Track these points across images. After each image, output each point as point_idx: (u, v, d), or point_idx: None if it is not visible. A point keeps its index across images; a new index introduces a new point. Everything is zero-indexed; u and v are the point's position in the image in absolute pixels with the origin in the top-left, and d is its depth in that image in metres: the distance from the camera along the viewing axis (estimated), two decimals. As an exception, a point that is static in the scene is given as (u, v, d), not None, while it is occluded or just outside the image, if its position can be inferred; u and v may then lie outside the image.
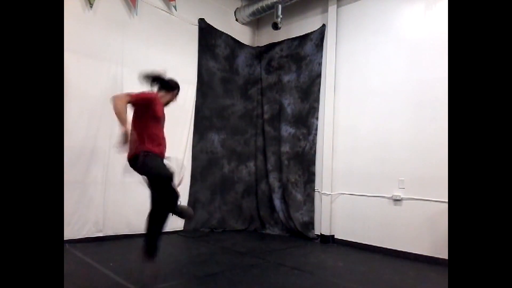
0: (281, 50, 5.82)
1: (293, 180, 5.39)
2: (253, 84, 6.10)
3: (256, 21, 6.33)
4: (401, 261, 4.02)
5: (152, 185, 2.77)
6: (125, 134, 2.49)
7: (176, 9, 5.15)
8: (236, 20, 6.11)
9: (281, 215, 5.48)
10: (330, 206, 4.99)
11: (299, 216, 5.23)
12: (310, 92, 5.37)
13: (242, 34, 6.17)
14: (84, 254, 3.59)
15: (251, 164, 5.98)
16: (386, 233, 4.38)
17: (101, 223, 4.24)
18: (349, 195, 4.84)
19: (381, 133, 4.56)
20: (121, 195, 4.41)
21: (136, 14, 4.72)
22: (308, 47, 5.46)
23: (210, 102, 5.57)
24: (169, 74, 5.07)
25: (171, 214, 2.81)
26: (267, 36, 6.12)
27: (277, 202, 5.54)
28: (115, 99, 2.60)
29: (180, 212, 2.89)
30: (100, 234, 4.22)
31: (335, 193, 4.99)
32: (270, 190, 5.66)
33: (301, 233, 5.15)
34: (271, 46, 5.97)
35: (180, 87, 3.14)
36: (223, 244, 4.53)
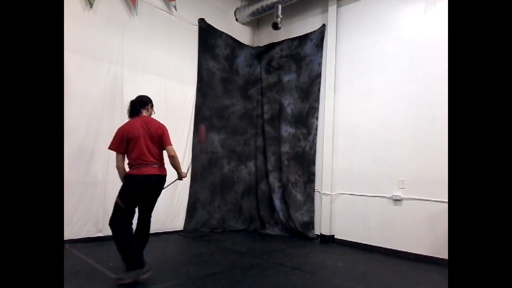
0: (281, 50, 5.82)
1: (293, 180, 5.39)
2: (253, 84, 6.10)
3: (256, 21, 6.33)
4: (401, 261, 4.02)
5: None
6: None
7: (176, 9, 5.15)
8: (236, 20, 6.11)
9: (281, 215, 5.48)
10: (330, 206, 4.99)
11: (299, 216, 5.23)
12: (310, 92, 5.37)
13: (242, 34, 6.17)
14: (84, 254, 3.59)
15: (251, 164, 5.98)
16: (386, 233, 4.38)
17: (101, 223, 4.24)
18: (349, 195, 4.84)
19: (381, 133, 4.56)
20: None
21: (136, 14, 4.72)
22: (308, 47, 5.46)
23: (210, 102, 5.57)
24: (169, 74, 5.10)
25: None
26: (267, 36, 6.12)
27: (277, 202, 5.54)
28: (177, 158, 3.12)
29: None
30: (100, 234, 4.22)
31: (335, 193, 4.99)
32: (270, 190, 5.66)
33: (301, 233, 5.15)
34: (271, 46, 5.97)
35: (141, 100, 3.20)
36: (223, 244, 4.53)
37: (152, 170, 2.93)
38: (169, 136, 3.09)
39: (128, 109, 3.14)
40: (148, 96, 3.21)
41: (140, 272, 2.68)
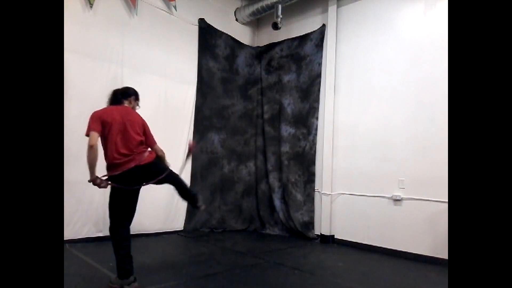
0: (281, 50, 5.82)
1: (293, 180, 5.39)
2: (253, 84, 6.10)
3: (256, 21, 6.33)
4: (401, 261, 4.02)
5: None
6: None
7: (176, 9, 5.15)
8: (236, 20, 6.11)
9: (281, 215, 5.48)
10: (330, 206, 4.99)
11: (299, 216, 5.23)
12: (310, 92, 5.37)
13: (242, 34, 6.17)
14: (84, 254, 3.60)
15: (251, 164, 5.98)
16: (386, 233, 4.38)
17: (101, 223, 4.23)
18: (349, 195, 4.84)
19: (381, 133, 4.56)
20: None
21: (136, 14, 4.72)
22: (308, 47, 5.46)
23: (210, 102, 5.57)
24: (169, 74, 5.10)
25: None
26: (267, 36, 6.12)
27: (277, 202, 5.54)
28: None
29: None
30: (100, 234, 4.22)
31: (335, 193, 4.99)
32: (270, 190, 5.66)
33: (301, 233, 5.15)
34: (271, 46, 5.97)
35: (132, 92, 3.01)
36: (223, 244, 4.53)
37: (132, 163, 2.65)
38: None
39: (109, 98, 2.89)
40: (136, 90, 3.01)
41: (125, 282, 2.62)
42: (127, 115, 2.75)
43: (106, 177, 2.64)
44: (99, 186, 2.60)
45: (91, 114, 2.67)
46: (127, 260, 2.66)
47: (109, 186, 2.67)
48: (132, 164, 2.65)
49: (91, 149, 2.52)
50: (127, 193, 2.70)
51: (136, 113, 2.90)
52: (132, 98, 2.95)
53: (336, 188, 4.99)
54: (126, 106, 2.86)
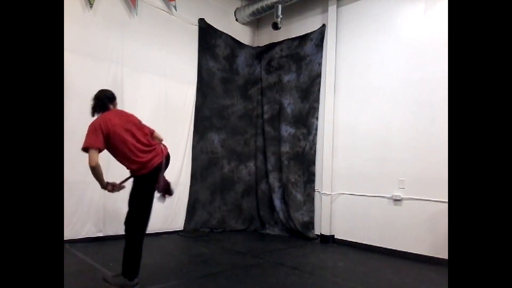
0: (281, 50, 5.82)
1: (293, 180, 5.39)
2: (253, 84, 6.10)
3: (256, 21, 6.33)
4: (401, 261, 4.02)
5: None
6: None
7: (176, 9, 5.15)
8: (236, 20, 6.11)
9: (281, 215, 5.48)
10: (330, 206, 4.99)
11: (299, 216, 5.23)
12: (310, 92, 5.37)
13: (242, 34, 6.17)
14: (84, 254, 3.59)
15: (251, 164, 5.98)
16: (386, 233, 4.38)
17: (101, 223, 4.24)
18: (349, 195, 4.84)
19: (381, 133, 4.56)
20: (121, 195, 4.40)
21: (136, 14, 4.73)
22: (308, 47, 5.46)
23: (210, 102, 5.57)
24: (169, 74, 5.10)
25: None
26: (267, 36, 6.12)
27: (277, 202, 5.54)
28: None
29: None
30: (100, 234, 4.22)
31: (335, 193, 4.99)
32: (270, 190, 5.66)
33: (301, 233, 5.15)
34: (271, 46, 5.97)
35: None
36: (223, 244, 4.53)
37: (158, 158, 2.65)
38: None
39: (92, 106, 2.82)
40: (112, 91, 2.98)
41: (128, 284, 2.56)
42: (123, 117, 2.73)
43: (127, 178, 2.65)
44: (112, 191, 2.59)
45: (89, 125, 2.58)
46: (138, 260, 2.61)
47: (130, 187, 2.65)
48: (159, 159, 2.63)
49: (94, 169, 2.46)
50: (153, 191, 2.67)
51: (126, 112, 2.88)
52: (115, 101, 2.94)
53: (336, 188, 4.99)
54: (116, 110, 2.85)
